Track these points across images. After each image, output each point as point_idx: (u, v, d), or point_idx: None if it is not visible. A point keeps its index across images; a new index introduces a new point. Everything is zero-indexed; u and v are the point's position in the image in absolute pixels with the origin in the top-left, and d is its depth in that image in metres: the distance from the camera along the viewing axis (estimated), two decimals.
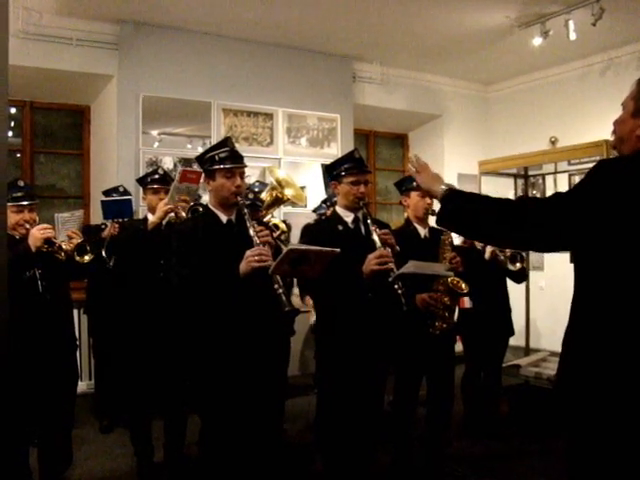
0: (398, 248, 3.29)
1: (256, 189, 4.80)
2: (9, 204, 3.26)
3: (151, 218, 3.84)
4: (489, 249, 4.59)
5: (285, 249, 2.77)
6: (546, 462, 4.17)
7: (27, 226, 3.37)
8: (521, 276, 4.84)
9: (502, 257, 4.53)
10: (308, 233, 3.41)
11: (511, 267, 4.56)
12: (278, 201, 4.98)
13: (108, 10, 5.75)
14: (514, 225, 2.00)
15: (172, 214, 3.75)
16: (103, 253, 4.25)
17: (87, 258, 3.45)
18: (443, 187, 2.21)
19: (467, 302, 4.25)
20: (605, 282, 1.90)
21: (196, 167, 3.61)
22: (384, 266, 3.15)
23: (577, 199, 1.92)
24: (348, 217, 3.44)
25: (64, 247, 3.31)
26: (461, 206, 2.14)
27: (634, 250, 1.84)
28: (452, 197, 2.18)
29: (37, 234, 3.24)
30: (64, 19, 5.77)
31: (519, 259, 4.56)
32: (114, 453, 4.42)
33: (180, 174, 3.80)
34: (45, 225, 3.31)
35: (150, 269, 3.81)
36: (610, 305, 1.88)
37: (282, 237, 4.38)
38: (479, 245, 4.70)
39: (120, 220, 4.36)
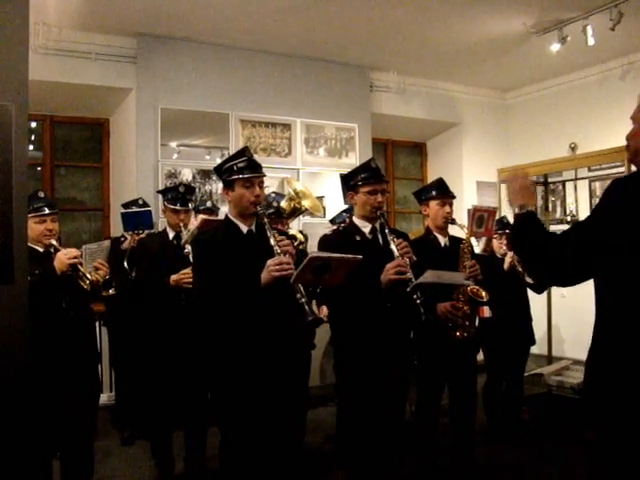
0: (415, 258, 3.27)
1: (272, 200, 4.81)
2: (30, 215, 3.27)
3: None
4: (508, 259, 4.56)
5: (308, 257, 2.77)
6: (568, 470, 4.12)
7: (52, 242, 3.38)
8: (541, 287, 4.79)
9: (520, 269, 4.49)
10: (325, 244, 3.40)
11: (529, 279, 4.52)
12: (296, 211, 4.99)
13: (126, 24, 5.81)
14: (551, 266, 2.10)
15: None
16: (125, 264, 4.29)
17: (111, 292, 3.49)
18: (516, 210, 2.25)
19: (487, 311, 4.22)
20: (628, 295, 1.92)
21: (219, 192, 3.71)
22: (402, 276, 3.14)
23: (596, 222, 1.97)
24: (365, 227, 3.42)
25: (90, 277, 3.31)
26: (521, 234, 2.22)
27: None
28: (520, 222, 2.24)
29: (64, 259, 3.23)
30: (83, 34, 5.83)
31: None
32: (135, 465, 4.42)
33: (200, 223, 3.90)
34: (74, 251, 3.30)
35: (171, 287, 3.85)
36: (633, 313, 1.90)
37: (300, 247, 4.38)
38: (499, 254, 4.67)
39: (140, 232, 4.39)
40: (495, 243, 4.75)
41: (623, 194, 1.93)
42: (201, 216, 4.51)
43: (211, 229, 3.60)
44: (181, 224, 4.02)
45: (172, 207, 4.12)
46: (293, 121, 6.81)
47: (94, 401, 3.68)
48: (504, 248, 4.74)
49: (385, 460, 3.41)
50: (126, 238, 4.58)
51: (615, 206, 1.92)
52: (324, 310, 4.45)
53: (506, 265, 4.55)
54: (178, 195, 4.15)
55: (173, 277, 3.84)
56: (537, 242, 2.13)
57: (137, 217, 4.46)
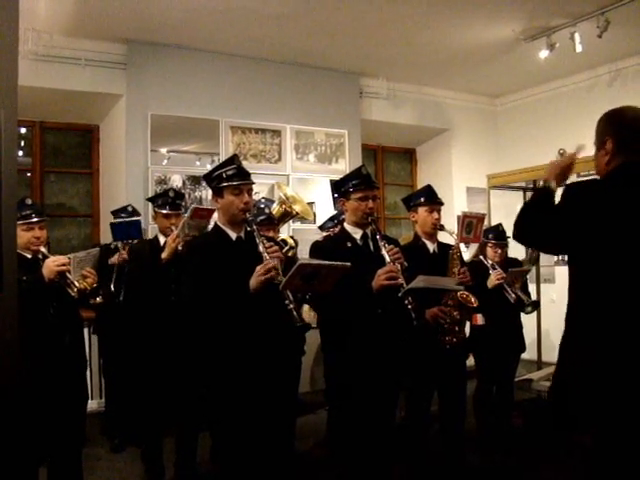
0: (406, 264, 3.28)
1: (262, 205, 4.81)
2: (18, 223, 3.26)
3: (163, 254, 3.85)
4: (493, 277, 4.46)
5: (297, 263, 2.78)
6: (558, 475, 4.13)
7: (41, 249, 3.36)
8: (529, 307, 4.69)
9: (508, 289, 4.43)
10: (317, 250, 3.40)
11: (510, 299, 4.46)
12: (287, 215, 5.00)
13: (116, 30, 5.81)
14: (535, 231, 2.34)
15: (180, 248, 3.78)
16: (112, 287, 4.27)
17: (99, 300, 3.48)
18: (542, 183, 2.47)
19: (480, 319, 4.22)
20: (588, 288, 2.21)
21: (209, 198, 3.62)
22: (393, 281, 3.14)
23: (561, 217, 2.25)
24: (357, 234, 3.43)
25: (78, 285, 3.30)
26: (533, 202, 2.43)
27: (610, 258, 2.13)
28: (538, 193, 2.45)
29: (52, 266, 3.21)
30: (73, 40, 5.83)
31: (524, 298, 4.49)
32: (125, 472, 4.39)
33: (192, 211, 3.82)
34: (62, 259, 3.29)
35: (161, 295, 3.82)
36: (597, 309, 2.14)
37: (290, 253, 4.37)
38: (487, 262, 4.64)
39: (129, 241, 4.37)
40: (490, 251, 4.74)
41: (579, 196, 2.22)
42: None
43: (202, 236, 3.61)
44: (172, 227, 4.01)
45: (163, 212, 4.12)
46: (283, 127, 6.82)
47: (82, 408, 3.66)
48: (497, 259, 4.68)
49: (376, 466, 3.41)
50: (116, 246, 4.56)
51: (572, 206, 2.21)
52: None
53: (490, 283, 4.47)
54: (168, 200, 4.16)
55: (164, 255, 3.83)
56: (538, 214, 2.34)
57: (126, 227, 4.45)
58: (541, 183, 2.46)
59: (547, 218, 2.27)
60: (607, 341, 2.04)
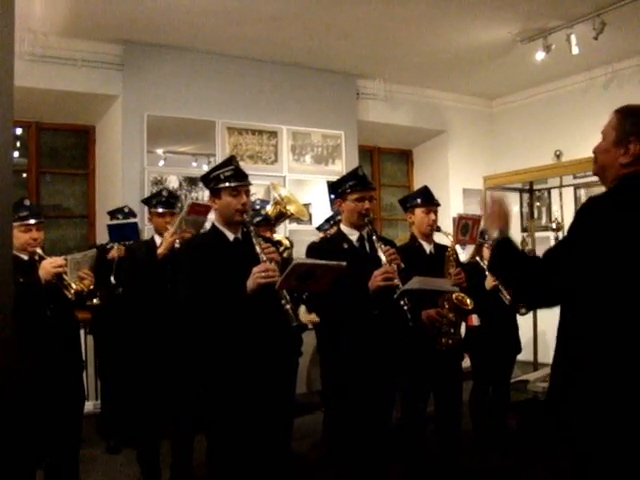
0: (403, 265, 3.28)
1: (257, 206, 4.82)
2: (16, 224, 3.25)
3: (159, 249, 3.86)
4: (490, 279, 4.50)
5: (292, 263, 2.78)
6: (555, 476, 4.13)
7: (38, 250, 3.36)
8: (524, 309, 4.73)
9: (505, 291, 4.45)
10: (313, 251, 3.40)
11: (506, 301, 4.48)
12: (282, 216, 5.00)
13: (113, 31, 5.80)
14: (534, 290, 2.20)
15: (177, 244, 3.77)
16: (112, 279, 4.27)
17: (96, 301, 3.47)
18: (495, 235, 2.30)
19: (475, 320, 4.23)
20: (597, 308, 2.01)
21: (206, 199, 3.60)
22: (390, 282, 3.15)
23: (573, 240, 2.06)
24: (353, 235, 3.43)
25: (74, 286, 3.29)
26: (500, 261, 2.29)
27: (627, 279, 1.94)
28: (498, 250, 2.29)
29: (49, 268, 3.21)
30: (69, 40, 5.82)
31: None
32: (121, 473, 4.39)
33: (188, 207, 3.82)
34: (59, 260, 3.28)
35: (158, 294, 3.82)
36: (599, 327, 1.99)
37: (285, 254, 4.37)
38: (484, 263, 4.66)
39: (126, 243, 4.37)
40: (486, 253, 4.74)
41: (596, 214, 2.02)
42: None
43: (199, 236, 3.61)
44: (168, 227, 4.01)
45: (157, 211, 4.16)
46: (279, 128, 6.82)
47: (79, 409, 3.65)
48: None
49: (372, 466, 3.41)
50: (112, 246, 4.56)
51: (590, 224, 2.01)
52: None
53: (488, 285, 4.50)
54: (162, 199, 4.21)
55: (160, 250, 3.84)
56: (518, 268, 2.21)
57: (123, 228, 4.45)
58: (496, 235, 2.28)
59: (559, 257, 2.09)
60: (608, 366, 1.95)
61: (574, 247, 2.02)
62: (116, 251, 4.38)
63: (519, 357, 5.06)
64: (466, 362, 4.29)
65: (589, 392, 1.96)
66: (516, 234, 7.08)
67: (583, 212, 2.05)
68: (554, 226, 6.90)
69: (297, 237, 5.91)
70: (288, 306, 2.79)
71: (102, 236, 5.60)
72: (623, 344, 1.93)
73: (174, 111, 6.23)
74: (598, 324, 1.99)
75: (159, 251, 3.84)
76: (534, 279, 2.13)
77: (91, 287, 3.38)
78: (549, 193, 7.73)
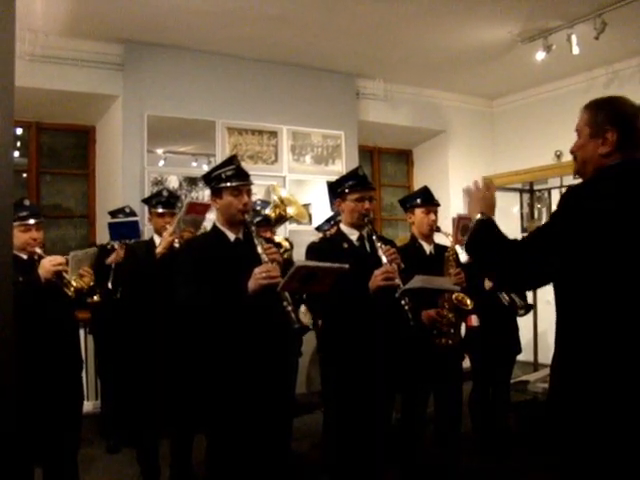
0: (403, 265, 3.28)
1: (258, 207, 4.81)
2: (16, 224, 3.25)
3: (157, 249, 3.87)
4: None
5: (294, 266, 2.77)
6: (555, 477, 4.12)
7: (37, 250, 3.35)
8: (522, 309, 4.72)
9: (503, 295, 4.44)
10: (313, 251, 3.40)
11: (504, 302, 4.47)
12: (281, 218, 5.00)
13: (113, 31, 5.80)
14: (510, 269, 2.14)
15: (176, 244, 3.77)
16: (109, 285, 4.27)
17: (96, 298, 3.48)
18: (478, 216, 2.28)
19: (475, 320, 4.22)
20: (589, 303, 2.01)
21: (205, 199, 3.60)
22: (390, 282, 3.14)
23: (556, 228, 2.04)
24: (353, 235, 3.43)
25: (74, 284, 3.29)
26: (481, 238, 2.25)
27: (616, 270, 1.93)
28: (480, 227, 2.27)
29: (48, 266, 3.20)
30: (70, 40, 5.82)
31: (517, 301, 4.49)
32: (121, 473, 4.39)
33: (187, 206, 3.82)
34: (59, 258, 3.28)
35: (157, 294, 3.82)
36: (595, 325, 1.99)
37: (285, 255, 4.37)
38: None
39: (127, 242, 4.37)
40: None
41: (579, 201, 2.00)
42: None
43: (200, 236, 3.61)
44: (167, 226, 4.01)
45: (157, 211, 4.17)
46: (279, 128, 6.81)
47: (78, 409, 3.65)
48: None
49: (371, 468, 3.41)
50: (112, 246, 4.56)
51: (573, 213, 1.99)
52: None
53: (487, 285, 4.49)
54: (162, 199, 4.22)
55: (158, 250, 3.84)
56: (496, 246, 2.18)
57: (124, 227, 4.45)
58: (479, 216, 2.27)
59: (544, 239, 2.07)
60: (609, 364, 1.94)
61: (558, 238, 2.00)
62: (114, 257, 4.38)
63: (519, 358, 5.05)
64: (466, 362, 4.28)
65: (589, 393, 1.95)
66: (516, 234, 7.08)
67: (567, 201, 2.04)
68: None
69: (297, 237, 5.90)
70: (290, 308, 2.79)
71: (102, 236, 5.60)
72: (614, 340, 1.93)
73: (174, 111, 6.22)
74: (591, 321, 2.00)
75: (157, 250, 3.85)
76: (514, 261, 2.11)
77: (91, 284, 3.38)
78: (549, 193, 7.73)
